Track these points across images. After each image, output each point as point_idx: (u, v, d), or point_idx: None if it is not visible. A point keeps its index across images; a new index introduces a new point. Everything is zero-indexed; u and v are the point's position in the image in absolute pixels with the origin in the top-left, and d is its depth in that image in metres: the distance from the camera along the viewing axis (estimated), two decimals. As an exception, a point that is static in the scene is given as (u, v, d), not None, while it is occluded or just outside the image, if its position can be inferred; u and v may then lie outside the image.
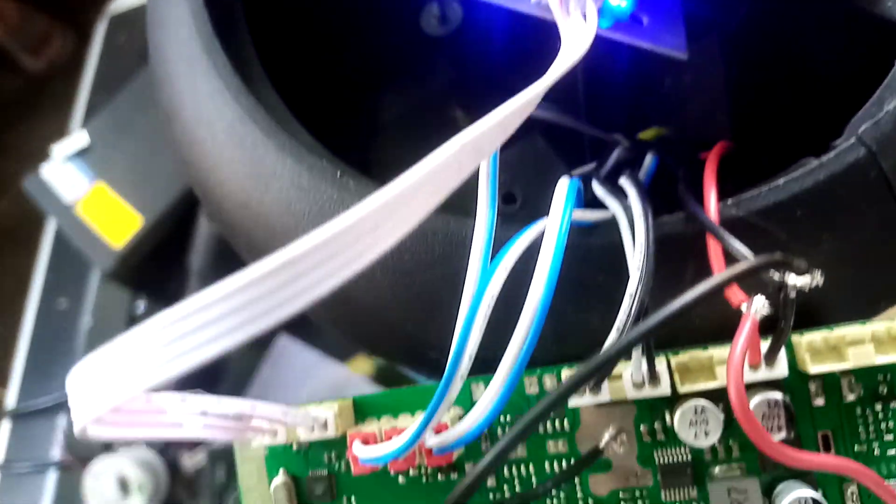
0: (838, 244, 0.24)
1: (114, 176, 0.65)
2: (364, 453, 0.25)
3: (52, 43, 1.29)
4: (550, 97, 0.30)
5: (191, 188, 0.65)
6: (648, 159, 0.30)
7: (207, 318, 0.16)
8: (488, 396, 0.21)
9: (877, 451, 0.24)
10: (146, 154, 0.65)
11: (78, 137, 0.65)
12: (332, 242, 0.16)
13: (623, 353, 0.19)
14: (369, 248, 0.17)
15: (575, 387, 0.19)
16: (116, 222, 0.63)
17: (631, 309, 0.22)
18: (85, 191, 0.64)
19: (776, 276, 0.21)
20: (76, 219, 0.64)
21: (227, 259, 0.57)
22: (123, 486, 0.56)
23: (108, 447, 0.61)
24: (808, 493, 0.24)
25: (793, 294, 0.21)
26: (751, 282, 0.22)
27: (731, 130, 0.34)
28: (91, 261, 0.64)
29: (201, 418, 0.23)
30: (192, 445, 0.61)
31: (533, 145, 0.32)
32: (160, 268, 0.65)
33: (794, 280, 0.21)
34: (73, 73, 0.81)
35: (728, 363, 0.21)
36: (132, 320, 0.66)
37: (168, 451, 0.60)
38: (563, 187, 0.23)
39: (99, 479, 0.56)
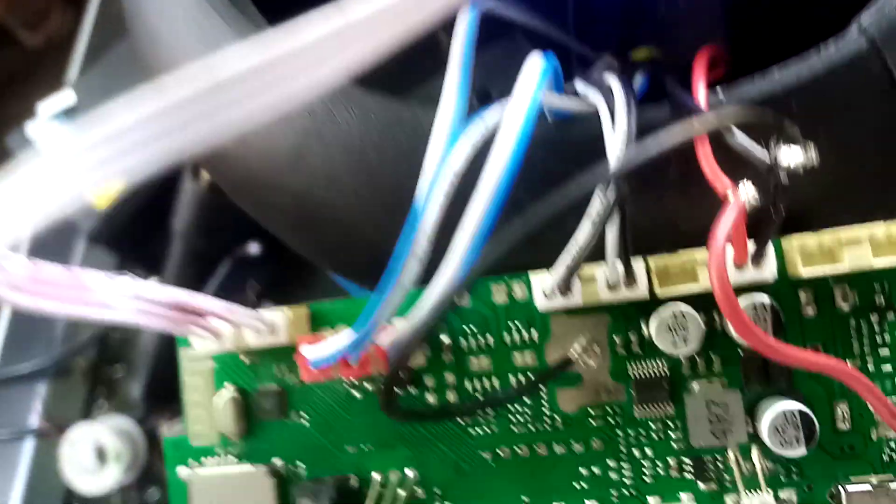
0: (836, 143, 0.22)
1: None
2: (313, 353, 0.23)
3: (50, 18, 1.28)
4: (537, 6, 0.29)
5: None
6: (639, 78, 0.28)
7: (121, 146, 0.14)
8: (442, 279, 0.19)
9: (871, 367, 0.22)
10: None
11: (64, 96, 0.64)
12: (268, 69, 0.15)
13: (579, 193, 0.17)
14: (309, 81, 0.16)
15: (533, 226, 0.17)
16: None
17: (606, 198, 0.20)
18: None
19: (766, 156, 0.20)
20: (59, 178, 0.62)
21: (211, 220, 0.55)
22: (101, 454, 0.54)
23: (86, 415, 0.59)
24: (794, 405, 0.22)
25: (784, 178, 0.19)
26: (740, 173, 0.20)
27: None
28: (73, 221, 0.62)
29: (133, 302, 0.21)
30: (172, 415, 0.59)
31: (515, 46, 0.30)
32: (144, 229, 0.63)
33: (786, 159, 0.19)
34: (70, 49, 0.79)
35: (709, 247, 0.19)
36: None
37: (147, 420, 0.58)
38: (538, 59, 0.21)
39: (75, 446, 0.54)
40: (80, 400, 0.60)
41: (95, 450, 0.55)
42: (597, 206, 0.20)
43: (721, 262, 0.18)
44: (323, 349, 0.22)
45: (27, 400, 0.62)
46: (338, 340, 0.22)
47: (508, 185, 0.19)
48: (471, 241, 0.19)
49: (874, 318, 0.22)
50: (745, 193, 0.19)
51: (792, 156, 0.19)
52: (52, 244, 0.69)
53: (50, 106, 0.64)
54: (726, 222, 0.19)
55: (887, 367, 0.22)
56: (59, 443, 0.55)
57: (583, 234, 0.21)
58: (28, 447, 0.59)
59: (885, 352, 0.22)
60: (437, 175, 0.19)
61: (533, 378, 0.23)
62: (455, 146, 0.20)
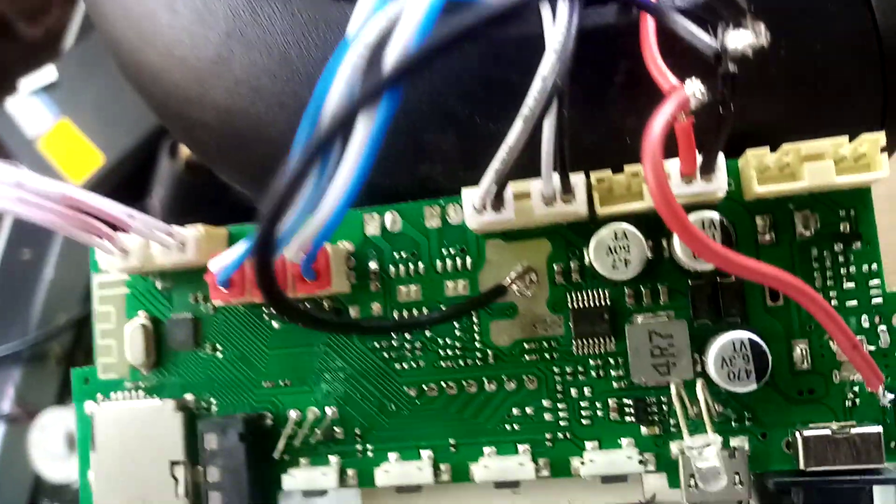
0: (798, 54, 0.20)
1: (79, 113, 0.63)
2: (217, 264, 0.21)
3: (49, 11, 1.27)
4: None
5: (155, 130, 0.62)
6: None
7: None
8: (344, 171, 0.17)
9: (834, 302, 0.20)
10: (113, 93, 0.62)
11: (46, 72, 0.63)
12: None
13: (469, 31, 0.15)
14: None
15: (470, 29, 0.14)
16: (78, 159, 0.61)
17: (543, 92, 0.18)
18: (49, 126, 0.62)
19: (714, 41, 0.17)
20: (37, 154, 0.61)
21: (188, 201, 0.53)
22: (71, 441, 0.52)
23: (60, 401, 0.58)
24: (743, 334, 0.19)
25: (733, 67, 0.17)
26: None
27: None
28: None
29: (14, 190, 0.19)
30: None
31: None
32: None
33: (735, 42, 0.17)
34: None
35: (644, 139, 0.16)
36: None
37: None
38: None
39: (45, 431, 0.52)
40: (54, 386, 0.58)
41: (66, 436, 0.52)
42: (530, 101, 0.18)
43: (657, 154, 0.16)
44: (226, 257, 0.20)
45: (0, 384, 0.60)
46: (241, 245, 0.20)
47: (420, 44, 0.16)
48: (373, 122, 0.16)
49: (838, 247, 0.20)
50: (691, 87, 0.17)
51: (740, 38, 0.17)
52: (32, 232, 0.67)
53: (31, 82, 0.63)
54: (666, 112, 0.17)
55: (852, 303, 0.20)
56: (29, 428, 0.53)
57: (514, 134, 0.18)
58: (-2, 432, 0.57)
59: (849, 285, 0.20)
60: (347, 46, 0.17)
61: (462, 306, 0.21)
62: (373, 18, 0.18)
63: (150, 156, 0.64)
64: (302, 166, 0.14)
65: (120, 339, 0.24)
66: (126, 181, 0.63)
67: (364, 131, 0.16)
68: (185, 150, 0.54)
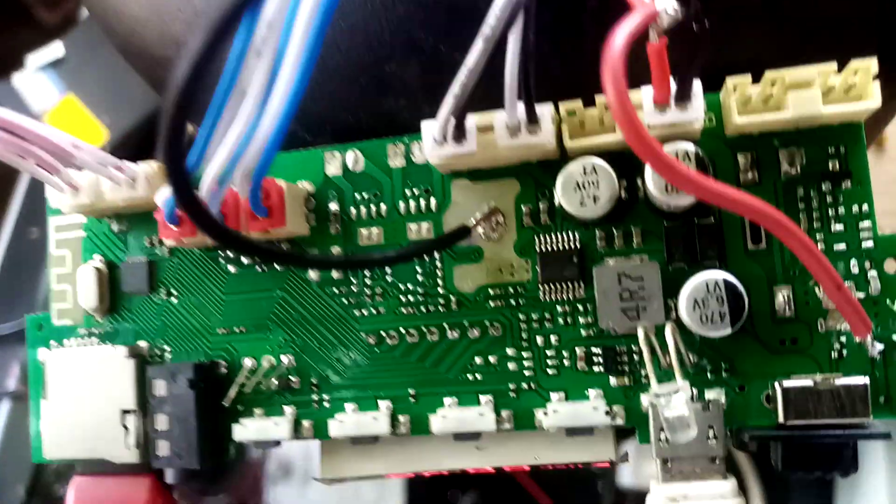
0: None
1: (85, 89, 0.62)
2: (163, 195, 0.19)
3: (69, -2, 1.28)
4: None
5: (159, 107, 0.62)
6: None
7: None
8: (282, 84, 0.16)
9: (821, 245, 0.18)
10: (119, 70, 0.62)
11: (53, 48, 0.63)
12: None
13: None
14: None
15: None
16: (82, 135, 0.61)
17: (506, 9, 0.17)
18: (54, 102, 0.62)
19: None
20: (42, 130, 0.61)
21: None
22: None
23: None
24: (717, 274, 0.18)
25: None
26: None
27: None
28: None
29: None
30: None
31: None
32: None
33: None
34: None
35: (604, 51, 0.15)
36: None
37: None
38: None
39: None
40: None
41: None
42: (490, 19, 0.17)
43: (617, 66, 0.15)
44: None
45: (5, 362, 0.60)
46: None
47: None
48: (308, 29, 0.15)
49: (826, 186, 0.19)
50: (662, 2, 0.16)
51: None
52: (41, 211, 0.67)
53: (38, 58, 0.63)
54: (630, 23, 0.15)
55: (841, 246, 0.18)
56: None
57: (473, 55, 0.17)
58: (3, 409, 0.57)
59: (838, 227, 0.18)
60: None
61: (422, 246, 0.20)
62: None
63: (154, 132, 0.64)
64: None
65: (75, 284, 0.23)
66: (130, 157, 0.62)
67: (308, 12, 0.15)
68: (189, 128, 0.53)
